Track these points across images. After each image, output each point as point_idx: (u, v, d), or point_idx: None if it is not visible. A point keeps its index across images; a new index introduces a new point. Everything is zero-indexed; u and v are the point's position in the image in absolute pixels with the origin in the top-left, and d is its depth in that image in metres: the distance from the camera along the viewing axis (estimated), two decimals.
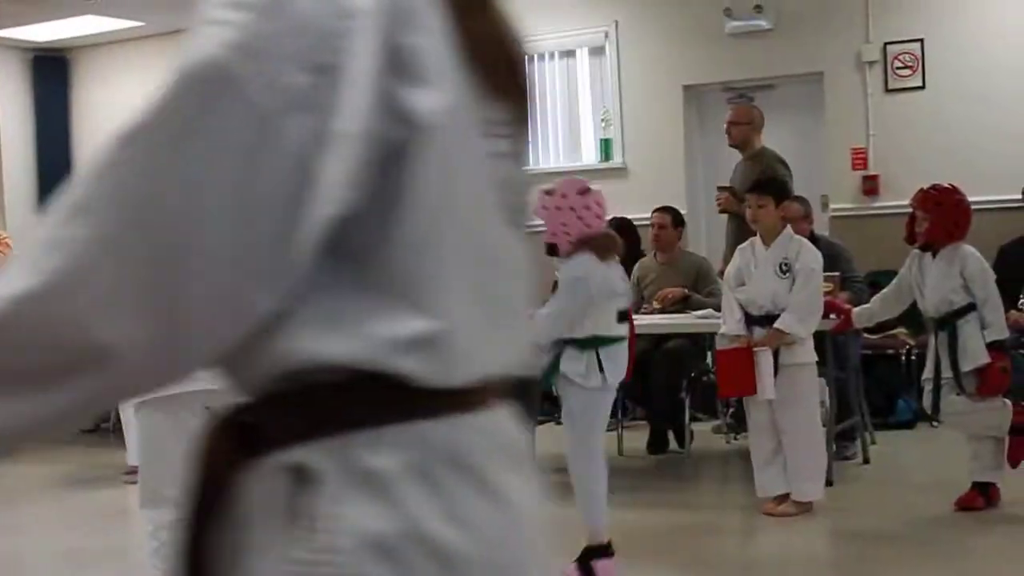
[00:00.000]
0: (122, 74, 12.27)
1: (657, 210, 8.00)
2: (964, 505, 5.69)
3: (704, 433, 7.90)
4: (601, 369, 4.86)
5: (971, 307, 5.67)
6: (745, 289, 5.86)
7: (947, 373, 5.71)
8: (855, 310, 6.21)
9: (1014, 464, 5.73)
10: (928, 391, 5.85)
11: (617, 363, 4.94)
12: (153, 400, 3.86)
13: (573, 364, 4.88)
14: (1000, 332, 5.66)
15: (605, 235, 4.91)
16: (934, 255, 5.77)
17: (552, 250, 4.85)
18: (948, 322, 5.70)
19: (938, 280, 5.73)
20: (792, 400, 5.74)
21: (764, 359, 5.65)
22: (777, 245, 5.81)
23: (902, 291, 5.99)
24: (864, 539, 5.38)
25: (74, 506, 6.98)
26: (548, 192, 4.86)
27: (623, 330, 4.96)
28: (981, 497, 5.72)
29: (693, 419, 7.52)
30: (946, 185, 5.82)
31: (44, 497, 7.32)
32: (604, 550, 4.83)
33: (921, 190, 5.86)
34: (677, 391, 7.19)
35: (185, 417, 3.81)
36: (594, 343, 4.87)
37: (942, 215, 5.69)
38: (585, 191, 4.86)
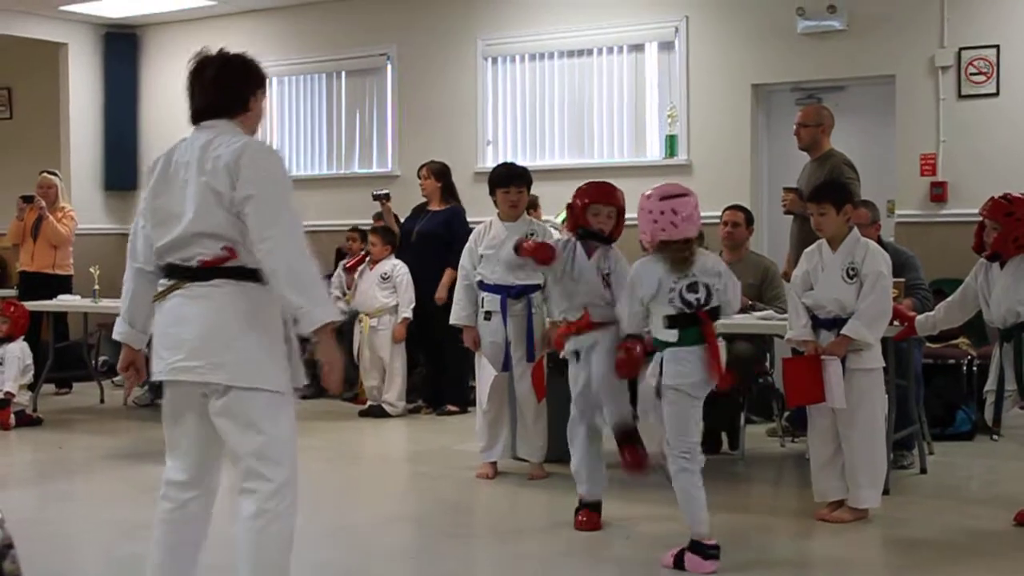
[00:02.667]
0: (191, 53, 12.32)
1: (729, 208, 7.94)
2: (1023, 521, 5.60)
3: (758, 435, 7.85)
4: (662, 371, 4.97)
5: None
6: (812, 293, 5.78)
7: (1011, 385, 5.62)
8: (918, 317, 6.12)
9: None
10: (990, 403, 5.76)
11: (675, 368, 4.94)
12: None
13: (651, 366, 5.05)
14: None
15: (676, 243, 4.91)
16: (1002, 265, 5.68)
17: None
18: (1014, 333, 5.61)
19: (1005, 290, 5.64)
20: (856, 405, 5.66)
21: (833, 368, 5.58)
22: (844, 249, 5.73)
23: (967, 300, 5.90)
24: (920, 549, 5.30)
25: (127, 478, 7.04)
26: (646, 195, 5.00)
27: (671, 336, 4.95)
28: None
29: (748, 421, 7.48)
30: (1018, 195, 5.72)
31: (100, 469, 7.41)
32: (700, 547, 4.91)
33: (992, 199, 5.76)
34: (739, 394, 7.12)
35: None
36: (659, 345, 5.02)
37: (1012, 225, 5.60)
38: (667, 197, 4.92)
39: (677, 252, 4.93)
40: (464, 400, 9.28)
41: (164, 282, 3.93)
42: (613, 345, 5.44)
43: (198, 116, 3.97)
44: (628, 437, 5.57)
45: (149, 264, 3.99)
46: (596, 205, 5.68)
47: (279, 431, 3.86)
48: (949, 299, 6.03)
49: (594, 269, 5.67)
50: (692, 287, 4.95)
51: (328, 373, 3.87)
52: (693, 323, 4.95)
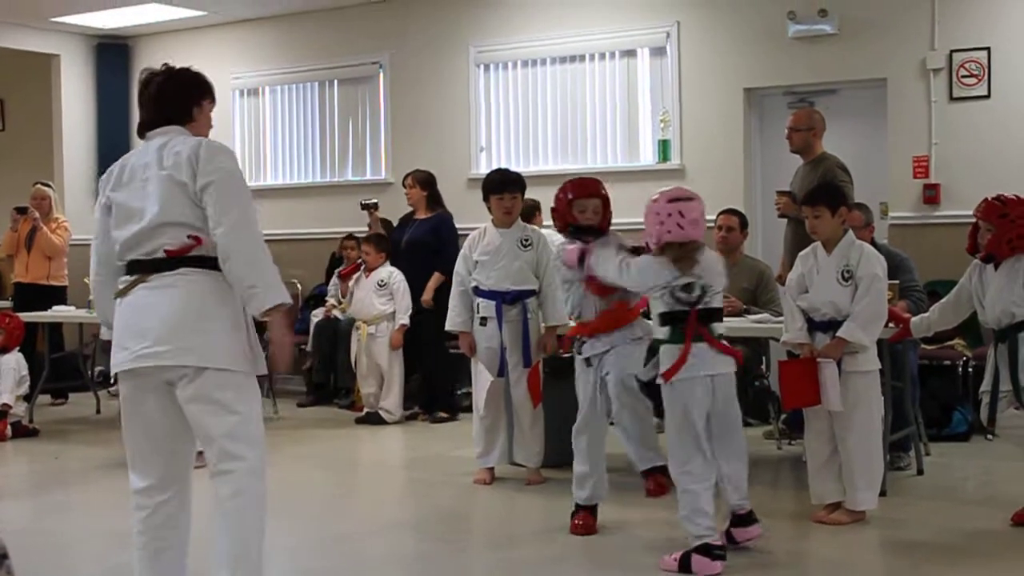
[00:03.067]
0: (183, 63, 12.23)
1: (724, 212, 7.95)
2: (1021, 520, 5.60)
3: (755, 438, 7.85)
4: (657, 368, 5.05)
5: None
6: (807, 296, 5.79)
7: (1005, 386, 5.63)
8: (913, 319, 6.12)
9: None
10: (986, 403, 5.77)
11: (665, 364, 4.99)
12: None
13: (651, 364, 5.14)
14: None
15: (681, 245, 4.92)
16: (996, 266, 5.68)
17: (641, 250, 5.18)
18: (1008, 334, 5.61)
19: (999, 291, 5.64)
20: (852, 407, 5.67)
21: (829, 370, 5.59)
22: (838, 252, 5.74)
23: (961, 301, 5.90)
24: (917, 551, 5.31)
25: (123, 489, 6.94)
26: (654, 197, 5.03)
27: (663, 333, 5.03)
28: None
29: (745, 424, 7.45)
30: (1011, 196, 5.73)
31: (96, 479, 7.39)
32: (708, 548, 4.91)
33: (985, 200, 5.77)
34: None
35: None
36: (655, 344, 5.10)
37: (1006, 227, 5.60)
38: (675, 199, 4.93)
39: (680, 252, 4.93)
40: (454, 407, 9.29)
41: (125, 279, 4.01)
42: (628, 351, 5.53)
43: (146, 127, 4.14)
44: (652, 469, 5.76)
45: (109, 269, 4.12)
46: (580, 200, 5.69)
47: (251, 410, 3.97)
48: (943, 300, 6.03)
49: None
50: (687, 287, 4.96)
51: (277, 354, 4.19)
52: (672, 321, 5.01)
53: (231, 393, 3.91)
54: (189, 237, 3.90)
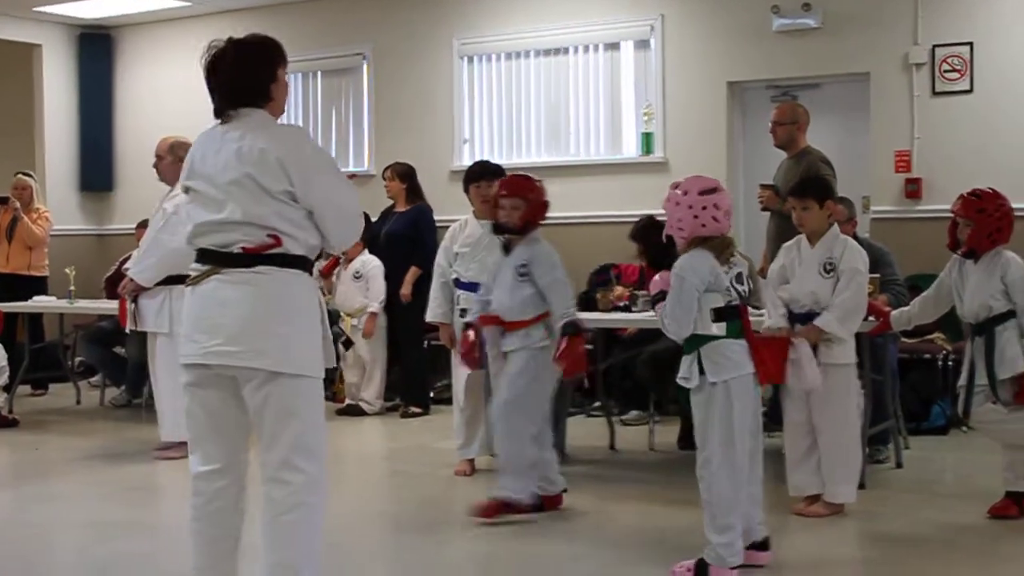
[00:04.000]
0: (166, 53, 12.33)
1: None
2: (997, 514, 5.64)
3: None
4: (702, 370, 4.71)
5: (1010, 314, 5.59)
6: (788, 287, 5.81)
7: (982, 380, 5.62)
8: (893, 313, 6.14)
9: None
10: (962, 397, 5.78)
11: (719, 362, 4.69)
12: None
13: (682, 368, 4.79)
14: None
15: (721, 239, 4.76)
16: (975, 260, 5.70)
17: (672, 242, 4.85)
18: (986, 328, 5.62)
19: (978, 285, 5.66)
20: (829, 400, 5.69)
21: (803, 349, 5.50)
22: (822, 244, 5.75)
23: (941, 296, 5.92)
24: (895, 544, 5.33)
25: (104, 480, 7.02)
26: (675, 185, 4.82)
27: (720, 329, 4.72)
28: (1015, 506, 5.65)
29: None
30: (988, 190, 5.74)
31: (75, 470, 7.37)
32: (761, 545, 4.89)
33: (961, 196, 5.77)
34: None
35: None
36: (694, 343, 4.73)
37: (984, 221, 5.62)
38: (708, 191, 4.73)
39: (723, 245, 4.76)
40: (426, 400, 9.29)
41: (197, 266, 3.91)
42: (528, 359, 5.70)
43: (220, 112, 3.96)
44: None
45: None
46: (503, 199, 5.83)
47: (317, 417, 3.91)
48: (924, 295, 6.06)
49: (510, 267, 5.83)
50: (739, 278, 4.80)
51: None
52: (736, 316, 4.77)
53: (301, 399, 3.83)
54: (268, 236, 3.80)
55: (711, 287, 4.69)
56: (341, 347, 9.20)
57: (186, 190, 4.01)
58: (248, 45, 3.97)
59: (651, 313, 5.60)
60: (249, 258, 3.81)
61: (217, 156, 3.87)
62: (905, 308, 6.17)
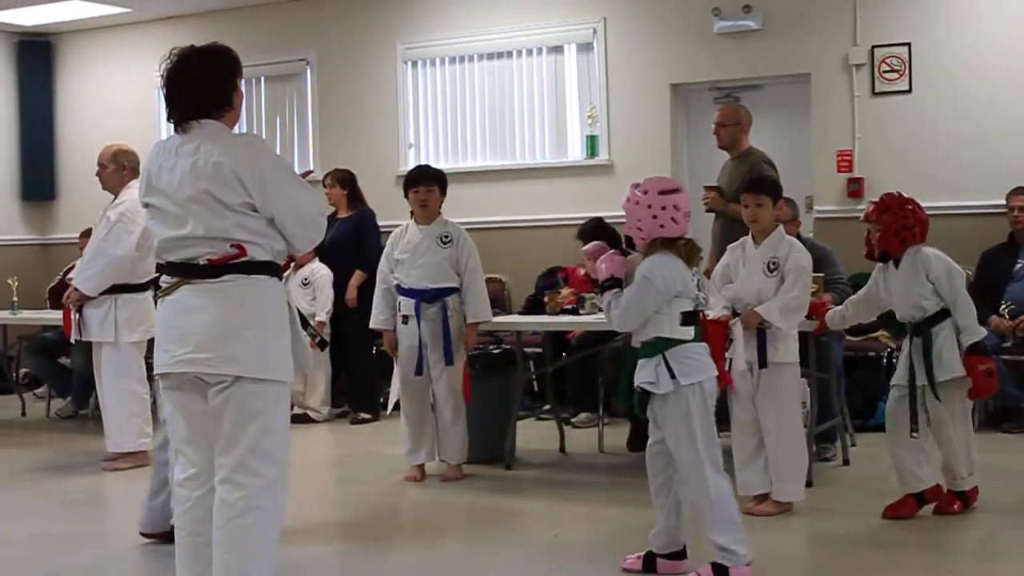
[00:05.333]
0: (106, 60, 12.22)
1: None
2: (942, 511, 5.70)
3: None
4: (672, 374, 4.62)
5: (945, 313, 5.59)
6: (732, 287, 5.84)
7: (922, 381, 5.61)
8: (828, 313, 6.13)
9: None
10: (897, 396, 5.75)
11: (689, 365, 4.63)
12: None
13: (643, 373, 4.68)
14: (976, 334, 5.56)
15: (688, 242, 4.71)
16: (896, 264, 5.70)
17: (630, 243, 4.81)
18: (922, 329, 5.61)
19: (905, 288, 5.65)
20: (774, 399, 5.74)
21: (737, 328, 5.58)
22: (767, 244, 5.79)
23: (871, 301, 5.91)
24: (843, 541, 5.37)
25: (49, 492, 6.94)
26: (635, 185, 4.76)
27: (688, 333, 4.66)
28: (958, 501, 5.72)
29: None
30: (894, 193, 5.75)
31: (21, 483, 7.28)
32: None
33: (871, 202, 5.84)
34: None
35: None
36: (658, 346, 4.65)
37: (890, 220, 5.61)
38: (668, 191, 4.67)
39: (692, 250, 4.72)
40: (376, 407, 9.26)
41: (167, 279, 3.93)
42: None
43: (179, 121, 3.96)
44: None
45: None
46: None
47: (280, 421, 3.91)
48: (854, 298, 6.05)
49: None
50: (700, 284, 4.77)
51: None
52: (696, 320, 4.72)
53: (265, 403, 3.84)
54: (232, 247, 3.84)
55: (680, 294, 4.65)
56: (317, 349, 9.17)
57: (146, 205, 4.02)
58: (213, 53, 4.00)
59: (599, 316, 5.58)
60: (216, 269, 3.84)
61: (172, 172, 3.88)
62: (839, 308, 6.16)
